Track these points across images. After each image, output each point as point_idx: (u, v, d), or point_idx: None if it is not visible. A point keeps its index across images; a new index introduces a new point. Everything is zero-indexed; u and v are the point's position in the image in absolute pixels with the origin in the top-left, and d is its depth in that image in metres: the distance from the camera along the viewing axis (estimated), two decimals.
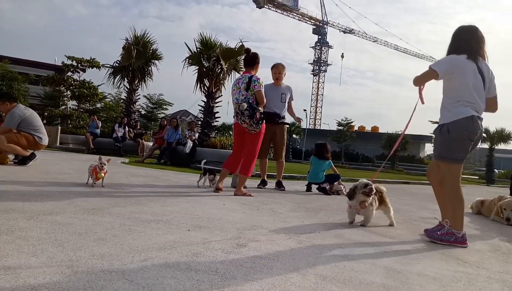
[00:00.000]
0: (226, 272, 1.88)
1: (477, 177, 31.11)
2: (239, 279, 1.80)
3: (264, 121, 4.95)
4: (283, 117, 6.26)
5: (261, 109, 4.95)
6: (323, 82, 79.91)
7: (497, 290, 2.04)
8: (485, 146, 28.98)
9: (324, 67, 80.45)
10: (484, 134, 28.22)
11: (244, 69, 5.32)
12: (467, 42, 3.19)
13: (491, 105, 3.32)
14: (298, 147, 47.40)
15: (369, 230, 3.40)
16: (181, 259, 2.01)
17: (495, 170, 29.12)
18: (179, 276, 1.77)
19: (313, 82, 79.47)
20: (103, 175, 4.36)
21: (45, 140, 6.15)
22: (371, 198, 3.44)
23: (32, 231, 2.28)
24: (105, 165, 4.33)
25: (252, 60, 5.19)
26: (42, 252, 1.91)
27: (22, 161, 5.91)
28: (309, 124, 55.58)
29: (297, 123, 6.54)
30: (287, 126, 6.39)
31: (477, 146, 3.39)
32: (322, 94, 78.83)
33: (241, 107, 4.83)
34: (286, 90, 6.29)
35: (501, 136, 27.69)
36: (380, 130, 51.11)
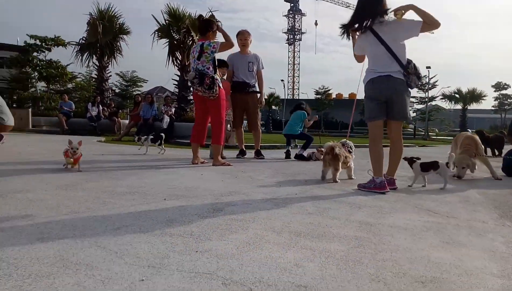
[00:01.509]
0: (201, 234, 1.89)
1: (452, 138, 31.96)
2: (214, 240, 1.81)
3: (219, 85, 4.80)
4: (253, 86, 6.17)
5: (216, 76, 4.78)
6: (299, 51, 79.19)
7: (464, 235, 2.12)
8: (458, 106, 29.79)
9: (298, 35, 79.46)
10: (456, 95, 29.02)
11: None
12: (360, 13, 3.53)
13: (427, 28, 3.43)
14: (278, 117, 47.46)
15: (344, 189, 3.48)
16: (155, 226, 2.00)
17: (469, 130, 30.10)
18: (153, 240, 1.76)
19: (289, 51, 78.64)
20: (72, 160, 3.94)
21: (9, 121, 5.87)
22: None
23: (0, 208, 2.21)
24: (77, 149, 3.86)
25: (203, 27, 5.00)
26: (11, 227, 1.86)
27: None
28: (287, 94, 55.40)
29: (261, 106, 6.41)
30: (259, 94, 6.29)
31: (398, 98, 3.58)
32: (299, 64, 78.26)
33: (189, 77, 4.86)
34: (254, 58, 6.17)
35: (473, 96, 28.49)
36: (358, 97, 51.52)
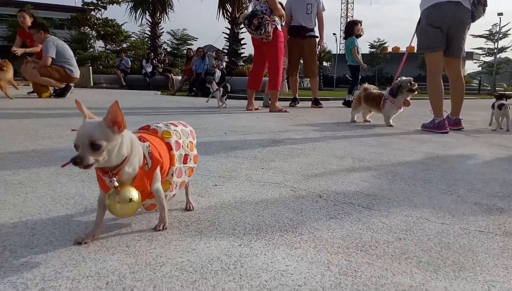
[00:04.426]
0: (265, 157, 1.94)
1: None
2: (278, 161, 1.85)
3: (276, 28, 4.67)
4: (311, 30, 5.91)
5: (274, 17, 4.62)
6: (353, 3, 74.50)
7: None
8: None
9: None
10: None
11: None
12: None
13: None
14: (329, 74, 45.88)
15: (405, 129, 3.35)
16: (220, 151, 2.08)
17: None
18: (220, 160, 1.84)
19: (342, 3, 74.20)
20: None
21: (76, 73, 6.25)
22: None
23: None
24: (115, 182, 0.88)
25: None
26: None
27: (60, 93, 6.13)
28: (340, 49, 53.02)
29: (320, 49, 6.16)
30: (317, 39, 6.04)
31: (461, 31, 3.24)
32: (352, 16, 73.93)
33: (241, 19, 4.77)
34: (313, 0, 5.88)
35: None
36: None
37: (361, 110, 3.91)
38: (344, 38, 6.85)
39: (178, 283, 0.72)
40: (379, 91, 3.81)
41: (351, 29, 6.47)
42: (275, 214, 1.12)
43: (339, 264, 0.82)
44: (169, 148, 1.04)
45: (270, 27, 4.54)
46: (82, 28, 21.76)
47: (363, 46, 51.74)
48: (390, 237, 0.98)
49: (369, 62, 37.65)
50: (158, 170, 0.93)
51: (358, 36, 6.47)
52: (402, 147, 2.39)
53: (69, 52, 6.17)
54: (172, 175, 1.03)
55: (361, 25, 6.45)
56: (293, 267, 0.80)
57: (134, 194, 0.87)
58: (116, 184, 0.85)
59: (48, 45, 5.78)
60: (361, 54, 6.72)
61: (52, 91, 6.23)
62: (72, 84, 6.40)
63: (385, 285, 0.74)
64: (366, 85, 3.95)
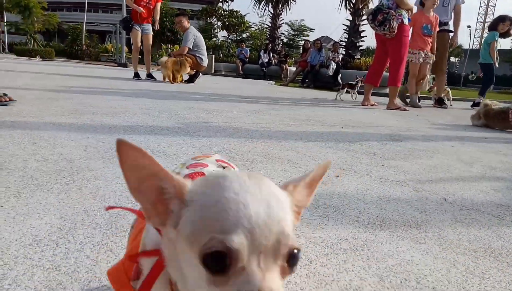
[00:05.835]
0: (384, 155, 1.95)
1: None
2: (398, 160, 1.85)
3: (403, 22, 4.40)
4: (445, 24, 5.44)
5: (401, 11, 4.35)
6: None
7: None
8: None
9: None
10: None
11: None
12: None
13: None
14: (455, 70, 41.17)
15: None
16: (339, 144, 2.15)
17: None
18: (339, 153, 1.92)
19: None
20: None
21: (205, 62, 6.91)
22: None
23: (212, 121, 2.74)
24: None
25: None
26: (224, 130, 2.31)
27: (190, 79, 6.87)
28: (473, 44, 47.07)
29: (453, 46, 5.61)
30: (451, 34, 5.52)
31: None
32: (494, 6, 64.51)
33: (366, 13, 4.57)
34: None
35: None
36: None
37: (481, 126, 3.55)
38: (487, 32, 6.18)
39: (313, 253, 0.85)
40: (502, 107, 3.43)
41: (496, 24, 5.78)
42: (398, 210, 1.17)
43: (466, 264, 0.85)
44: None
45: (395, 22, 4.36)
46: (209, 18, 23.64)
47: (504, 41, 44.95)
48: None
49: (508, 59, 32.74)
50: None
51: (505, 34, 5.74)
52: None
53: (202, 43, 6.84)
54: None
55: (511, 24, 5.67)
56: (418, 258, 0.86)
57: None
58: None
59: (188, 37, 6.51)
60: (501, 50, 5.94)
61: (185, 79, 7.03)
62: (200, 72, 7.11)
63: None
64: (487, 101, 3.59)
